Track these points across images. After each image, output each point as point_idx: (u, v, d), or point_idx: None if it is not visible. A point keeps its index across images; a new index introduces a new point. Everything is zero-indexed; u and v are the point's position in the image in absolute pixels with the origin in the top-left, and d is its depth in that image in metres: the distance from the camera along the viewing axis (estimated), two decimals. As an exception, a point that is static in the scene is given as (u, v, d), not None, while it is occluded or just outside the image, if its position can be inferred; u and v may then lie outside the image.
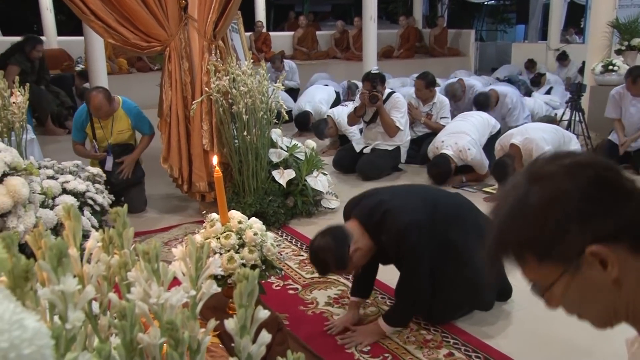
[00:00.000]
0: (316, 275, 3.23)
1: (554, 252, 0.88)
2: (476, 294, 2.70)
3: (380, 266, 2.92)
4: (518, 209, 0.91)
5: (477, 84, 7.24)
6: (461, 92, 6.78)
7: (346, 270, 2.57)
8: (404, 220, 2.48)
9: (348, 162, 5.43)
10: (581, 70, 8.41)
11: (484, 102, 6.08)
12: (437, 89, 6.10)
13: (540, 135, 4.50)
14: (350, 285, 3.08)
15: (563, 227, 0.86)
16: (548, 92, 8.38)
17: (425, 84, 5.85)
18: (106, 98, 4.26)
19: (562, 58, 10.35)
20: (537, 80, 9.11)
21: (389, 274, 3.16)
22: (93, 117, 4.38)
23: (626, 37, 6.55)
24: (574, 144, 4.72)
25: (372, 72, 5.41)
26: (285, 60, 9.38)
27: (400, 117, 5.26)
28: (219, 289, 0.75)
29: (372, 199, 2.60)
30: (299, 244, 3.70)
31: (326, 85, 8.37)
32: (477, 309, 2.77)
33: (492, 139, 5.14)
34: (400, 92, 5.65)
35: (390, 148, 5.33)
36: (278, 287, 3.10)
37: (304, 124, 7.30)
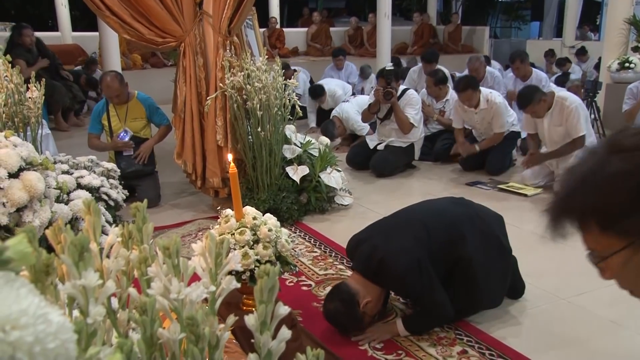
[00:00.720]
0: (330, 271, 3.24)
1: (620, 224, 0.87)
2: (486, 296, 2.69)
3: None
4: (593, 175, 0.90)
5: (495, 71, 7.15)
6: (483, 69, 6.66)
7: (363, 325, 2.57)
8: (401, 266, 2.45)
9: (362, 158, 5.42)
10: (597, 67, 8.32)
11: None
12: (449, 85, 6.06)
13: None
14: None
15: (636, 201, 0.85)
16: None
17: (435, 82, 5.83)
18: (117, 78, 4.47)
19: (581, 53, 10.24)
20: (563, 63, 9.05)
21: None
22: (109, 107, 4.53)
23: (644, 35, 6.49)
24: (591, 140, 4.68)
25: (386, 68, 5.38)
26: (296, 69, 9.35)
27: (414, 114, 5.24)
28: (239, 285, 0.74)
29: (366, 245, 2.56)
30: (312, 241, 3.70)
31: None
32: (488, 308, 2.75)
33: (511, 136, 5.16)
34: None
35: (404, 145, 5.31)
36: (291, 284, 3.10)
37: (317, 94, 7.26)
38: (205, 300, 0.73)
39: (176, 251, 0.69)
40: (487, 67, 6.94)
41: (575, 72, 8.80)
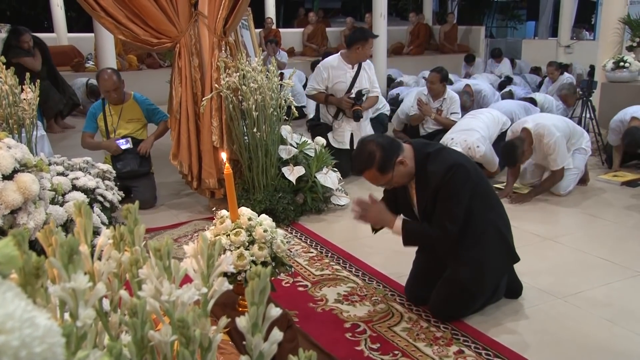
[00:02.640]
0: (326, 272, 3.23)
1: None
2: (482, 282, 2.66)
3: (385, 259, 2.92)
4: None
5: (484, 87, 7.20)
6: (470, 101, 6.78)
7: (384, 175, 2.55)
8: (459, 160, 2.55)
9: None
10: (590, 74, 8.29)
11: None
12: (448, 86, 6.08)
13: (551, 122, 4.50)
14: (359, 282, 3.08)
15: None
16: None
17: (441, 78, 5.84)
18: (115, 73, 4.55)
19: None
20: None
21: (395, 267, 3.16)
22: (105, 107, 4.54)
23: (637, 34, 6.50)
24: (586, 140, 4.69)
25: (362, 91, 5.22)
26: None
27: (377, 87, 5.30)
28: (231, 287, 0.74)
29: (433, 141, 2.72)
30: (308, 241, 3.70)
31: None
32: (478, 303, 2.73)
33: (502, 136, 5.11)
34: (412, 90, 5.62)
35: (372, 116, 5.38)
36: (288, 284, 3.10)
37: None
38: (198, 302, 0.73)
39: (167, 253, 0.68)
40: (479, 85, 7.12)
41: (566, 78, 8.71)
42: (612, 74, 6.31)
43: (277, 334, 0.66)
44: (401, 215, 2.67)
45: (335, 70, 5.07)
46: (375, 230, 2.81)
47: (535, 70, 10.40)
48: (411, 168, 2.56)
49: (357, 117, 5.02)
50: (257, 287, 0.64)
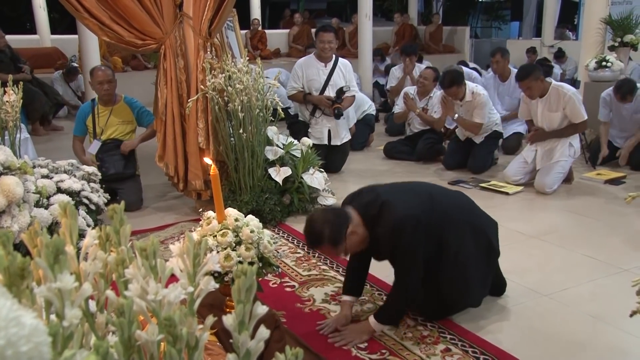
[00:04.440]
0: (313, 272, 3.24)
1: None
2: (469, 293, 2.70)
3: (378, 263, 2.91)
4: None
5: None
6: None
7: (337, 248, 2.51)
8: (401, 214, 2.46)
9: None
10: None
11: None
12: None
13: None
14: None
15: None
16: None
17: (435, 77, 5.89)
18: (110, 69, 4.62)
19: (559, 55, 10.34)
20: (541, 64, 9.11)
21: (385, 270, 3.17)
22: (94, 109, 4.51)
23: (619, 34, 6.57)
24: (575, 140, 4.83)
25: (343, 88, 5.24)
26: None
27: (355, 85, 5.39)
28: (217, 286, 0.74)
29: (371, 193, 2.59)
30: (295, 242, 3.70)
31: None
32: (468, 307, 2.76)
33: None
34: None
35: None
36: (275, 285, 3.10)
37: None
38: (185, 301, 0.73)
39: (153, 252, 0.69)
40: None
41: (555, 73, 8.84)
42: (595, 74, 6.36)
43: (264, 332, 0.66)
44: (371, 316, 2.59)
45: (308, 69, 5.18)
46: None
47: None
48: (363, 234, 2.51)
49: (338, 115, 5.09)
50: (243, 285, 0.64)
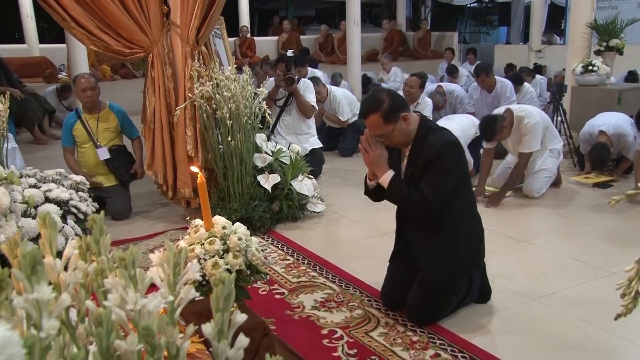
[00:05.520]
0: (303, 279, 3.23)
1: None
2: (481, 250, 2.79)
3: (362, 265, 2.92)
4: None
5: (456, 87, 7.29)
6: (442, 100, 6.86)
7: (385, 125, 2.58)
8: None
9: None
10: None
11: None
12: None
13: (534, 109, 4.73)
14: (336, 288, 3.09)
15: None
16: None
17: (421, 83, 5.89)
18: (92, 76, 4.62)
19: (538, 70, 9.88)
20: (519, 81, 9.07)
21: (371, 272, 3.17)
22: (81, 117, 4.47)
23: (604, 38, 6.65)
24: (558, 141, 4.84)
25: (287, 54, 5.36)
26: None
27: (313, 98, 5.39)
28: (197, 294, 0.75)
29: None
30: (285, 249, 3.70)
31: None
32: (479, 268, 2.81)
33: (478, 140, 5.15)
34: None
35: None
36: (264, 292, 3.09)
37: None
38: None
39: (132, 262, 0.69)
40: (451, 86, 7.22)
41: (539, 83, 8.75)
42: (581, 78, 6.42)
43: (243, 340, 0.66)
44: (391, 172, 2.66)
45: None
46: (367, 189, 2.82)
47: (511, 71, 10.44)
48: (412, 130, 2.62)
49: (289, 81, 5.13)
50: (221, 294, 0.64)
